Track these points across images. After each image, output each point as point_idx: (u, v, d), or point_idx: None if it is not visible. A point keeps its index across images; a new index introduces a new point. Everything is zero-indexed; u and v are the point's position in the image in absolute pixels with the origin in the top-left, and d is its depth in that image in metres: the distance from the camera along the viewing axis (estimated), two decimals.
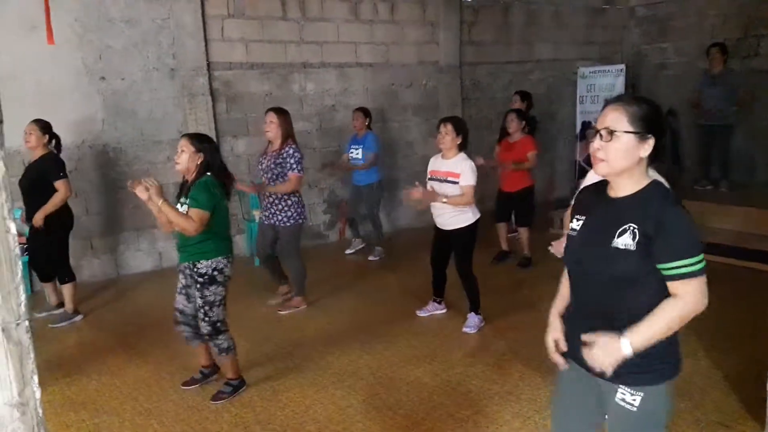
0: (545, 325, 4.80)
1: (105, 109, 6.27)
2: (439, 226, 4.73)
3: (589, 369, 1.97)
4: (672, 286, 1.83)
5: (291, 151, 4.92)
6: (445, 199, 4.47)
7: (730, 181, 7.55)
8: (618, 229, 1.86)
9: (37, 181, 4.85)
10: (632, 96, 1.97)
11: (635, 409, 1.92)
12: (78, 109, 6.12)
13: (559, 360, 2.13)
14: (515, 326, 4.79)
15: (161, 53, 6.47)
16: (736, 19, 8.42)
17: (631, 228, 1.84)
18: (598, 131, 1.87)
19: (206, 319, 3.60)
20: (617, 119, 1.85)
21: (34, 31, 5.57)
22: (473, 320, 4.75)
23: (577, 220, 2.03)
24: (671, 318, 1.82)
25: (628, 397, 1.93)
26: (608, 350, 1.83)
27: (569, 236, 2.06)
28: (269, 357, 4.41)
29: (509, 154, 6.22)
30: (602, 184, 2.02)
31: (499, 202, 6.53)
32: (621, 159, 1.85)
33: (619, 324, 1.87)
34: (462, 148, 4.63)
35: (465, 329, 4.70)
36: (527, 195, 6.36)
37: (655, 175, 1.95)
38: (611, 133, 1.84)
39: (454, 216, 4.59)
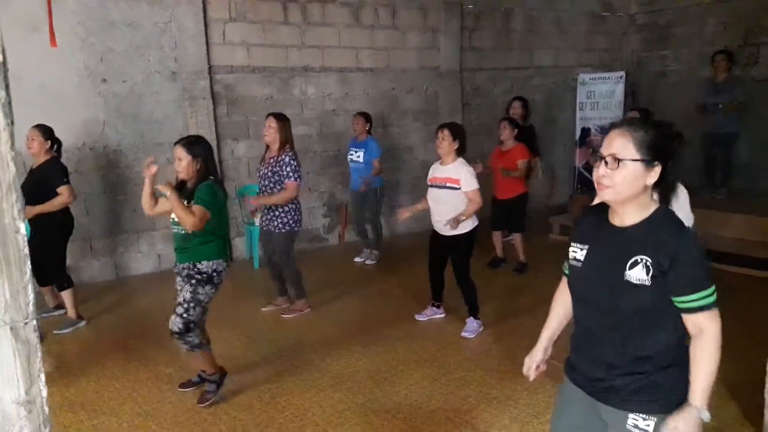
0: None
1: (106, 111, 6.29)
2: (438, 231, 4.74)
3: (598, 398, 1.95)
4: (693, 318, 1.81)
5: (287, 159, 4.91)
6: (463, 218, 4.48)
7: (729, 188, 7.53)
8: (628, 261, 1.80)
9: (40, 185, 4.82)
10: (640, 119, 1.92)
11: None
12: (79, 111, 6.14)
13: (531, 376, 2.23)
14: (514, 331, 4.80)
15: (163, 56, 6.49)
16: (736, 28, 8.46)
17: (644, 261, 1.77)
18: (603, 158, 1.80)
19: (183, 315, 3.56)
20: (624, 146, 1.78)
21: (36, 33, 5.58)
22: (472, 325, 4.76)
23: (580, 249, 1.96)
24: (712, 356, 1.83)
25: (641, 423, 1.86)
26: (691, 428, 1.81)
27: (573, 266, 1.99)
28: (268, 360, 4.41)
29: (500, 161, 6.25)
30: (601, 209, 1.95)
31: (494, 210, 6.53)
32: (627, 187, 1.78)
33: (629, 358, 1.86)
34: (460, 153, 4.65)
35: (464, 334, 4.71)
36: (521, 201, 6.37)
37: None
38: (617, 160, 1.77)
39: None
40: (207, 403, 3.71)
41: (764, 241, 6.18)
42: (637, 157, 1.77)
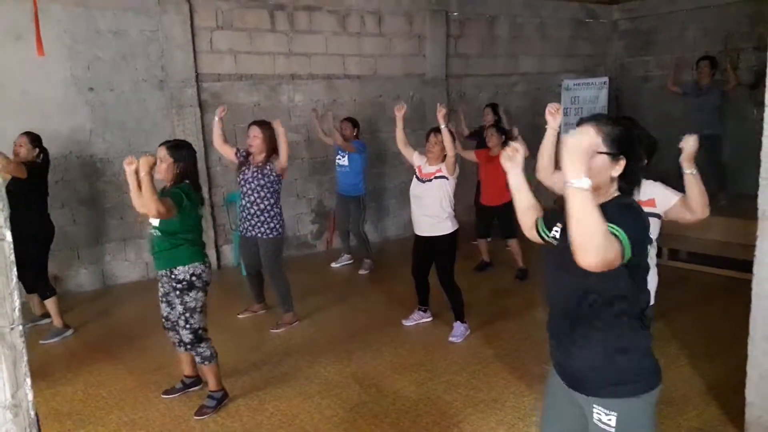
0: (529, 334, 4.87)
1: (93, 120, 6.28)
2: (418, 233, 4.78)
3: (568, 383, 2.02)
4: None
5: (272, 166, 4.93)
6: (443, 126, 4.56)
7: (728, 193, 7.41)
8: None
9: (24, 193, 4.78)
10: (608, 116, 1.98)
11: (612, 429, 1.92)
12: (66, 119, 6.13)
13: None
14: (500, 335, 4.84)
15: (150, 64, 6.50)
16: (716, 34, 8.59)
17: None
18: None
19: (187, 326, 3.61)
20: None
21: (20, 41, 5.58)
22: (459, 329, 4.79)
23: (560, 228, 2.00)
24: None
25: (603, 417, 1.93)
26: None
27: (551, 243, 2.07)
28: (256, 366, 4.42)
29: (492, 167, 6.25)
30: None
31: (480, 217, 6.54)
32: (594, 177, 1.79)
33: (588, 337, 1.92)
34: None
35: (451, 338, 4.74)
36: (508, 207, 6.32)
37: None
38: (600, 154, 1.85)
39: (434, 223, 4.65)
40: (204, 417, 3.70)
41: (745, 243, 6.25)
42: (604, 149, 1.85)
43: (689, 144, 2.91)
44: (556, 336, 2.06)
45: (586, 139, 1.69)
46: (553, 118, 2.82)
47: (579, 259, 1.63)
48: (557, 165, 1.99)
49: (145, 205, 3.38)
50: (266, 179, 4.91)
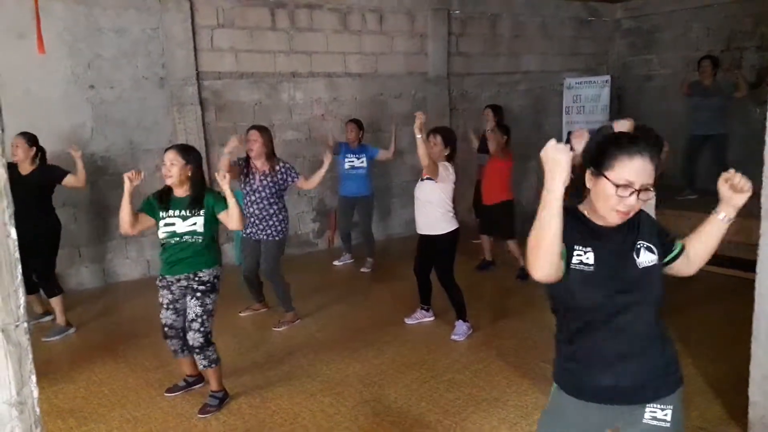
0: (531, 333, 4.86)
1: (94, 117, 6.28)
2: (418, 230, 4.79)
3: (624, 402, 1.92)
4: (681, 256, 1.98)
5: (288, 166, 5.04)
6: (419, 136, 4.37)
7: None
8: (632, 252, 1.87)
9: (37, 189, 4.89)
10: (652, 141, 1.79)
11: (668, 425, 1.90)
12: (67, 117, 6.12)
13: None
14: (502, 333, 4.84)
15: (151, 62, 6.49)
16: (719, 32, 8.58)
17: (643, 245, 1.88)
18: (637, 190, 1.75)
19: (201, 329, 3.59)
20: (650, 175, 1.76)
21: (22, 39, 5.57)
22: (461, 328, 4.79)
23: (584, 251, 1.84)
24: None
25: (659, 413, 1.90)
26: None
27: (582, 272, 1.83)
28: (258, 364, 4.41)
29: (491, 166, 6.25)
30: (576, 211, 1.91)
31: (481, 215, 6.56)
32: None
33: (652, 341, 1.92)
34: (449, 159, 4.68)
35: (453, 337, 4.74)
36: (505, 208, 6.24)
37: None
38: (648, 190, 1.76)
39: (431, 222, 4.65)
40: (207, 415, 3.70)
41: (747, 243, 6.25)
42: (652, 183, 1.79)
43: (624, 126, 2.77)
44: (624, 357, 1.89)
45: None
46: (578, 142, 2.81)
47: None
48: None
49: (237, 220, 3.54)
50: (277, 186, 4.96)
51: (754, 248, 3.16)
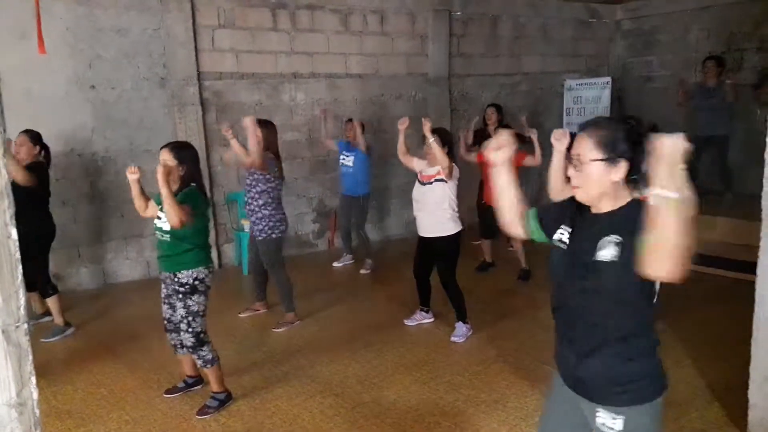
0: (532, 334, 4.86)
1: (95, 117, 6.28)
2: (421, 233, 4.77)
3: (574, 389, 1.99)
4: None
5: (270, 157, 4.91)
6: (432, 139, 4.52)
7: (734, 193, 7.32)
8: (598, 242, 1.83)
9: (26, 192, 4.74)
10: (606, 118, 1.95)
11: None
12: (68, 117, 6.12)
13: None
14: (502, 334, 4.83)
15: (152, 63, 6.50)
16: (719, 34, 8.58)
17: (614, 239, 1.80)
18: (571, 158, 1.89)
19: (189, 330, 3.60)
20: (586, 146, 1.84)
21: (24, 39, 5.57)
22: (461, 329, 4.78)
23: (567, 231, 1.97)
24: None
25: (608, 421, 1.89)
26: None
27: (558, 248, 1.99)
28: (258, 365, 4.41)
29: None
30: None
31: (483, 217, 6.47)
32: (594, 185, 1.85)
33: (598, 344, 1.88)
34: (449, 158, 4.67)
35: (453, 338, 4.73)
36: None
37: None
38: (581, 162, 1.85)
39: (436, 225, 4.65)
40: (206, 416, 3.69)
41: (749, 245, 6.24)
42: (599, 156, 1.82)
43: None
44: (568, 340, 2.00)
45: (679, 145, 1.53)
46: (559, 142, 2.81)
47: (652, 270, 1.61)
48: (567, 181, 1.98)
49: (169, 217, 3.40)
50: (263, 181, 4.89)
51: (754, 250, 3.16)
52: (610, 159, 1.81)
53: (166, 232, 3.55)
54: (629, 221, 1.77)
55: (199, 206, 3.58)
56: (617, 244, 1.80)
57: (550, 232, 2.04)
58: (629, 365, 1.87)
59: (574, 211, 1.99)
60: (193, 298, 3.59)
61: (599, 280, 1.83)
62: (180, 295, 3.59)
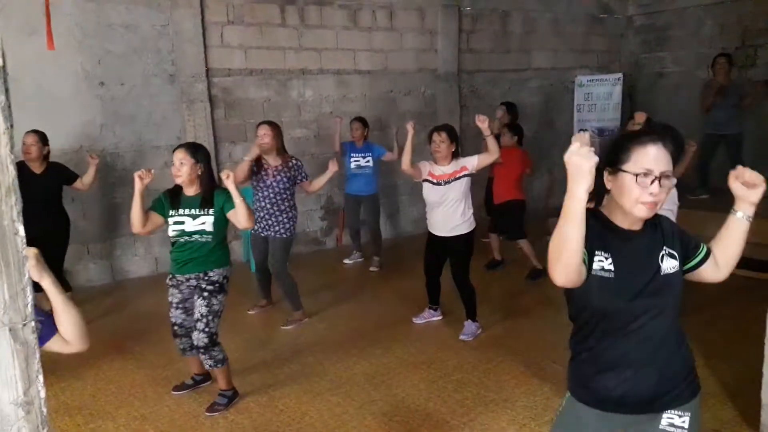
0: (541, 333, 4.82)
1: (104, 114, 6.29)
2: (436, 233, 4.71)
3: (639, 411, 1.91)
4: (705, 262, 1.92)
5: (299, 164, 5.06)
6: (488, 134, 4.52)
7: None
8: (657, 257, 1.83)
9: (56, 186, 5.06)
10: (670, 127, 1.92)
11: (686, 430, 1.87)
12: (77, 113, 6.14)
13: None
14: (511, 333, 4.80)
15: (161, 59, 6.50)
16: (733, 29, 8.49)
17: (666, 251, 1.85)
18: (657, 177, 1.72)
19: (206, 330, 3.58)
20: (667, 161, 1.75)
21: (34, 35, 5.58)
22: (470, 328, 4.75)
23: (604, 257, 1.80)
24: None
25: (677, 420, 1.87)
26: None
27: (602, 278, 1.79)
28: (266, 363, 4.40)
29: (503, 165, 6.16)
30: (592, 215, 1.84)
31: (492, 214, 6.54)
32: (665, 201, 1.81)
33: (670, 349, 1.88)
34: (455, 156, 4.64)
35: (462, 337, 4.71)
36: (514, 208, 6.15)
37: None
38: (669, 177, 1.74)
39: (457, 225, 4.59)
40: (214, 413, 3.69)
41: (761, 243, 6.18)
42: (671, 171, 1.77)
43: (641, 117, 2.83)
44: (623, 364, 1.86)
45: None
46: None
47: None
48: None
49: (243, 220, 3.49)
50: (291, 182, 4.97)
51: (766, 249, 3.11)
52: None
53: (208, 233, 3.56)
54: (669, 232, 1.88)
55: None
56: (671, 255, 1.85)
57: (589, 263, 1.80)
58: (688, 356, 1.95)
59: (600, 234, 1.83)
60: (218, 297, 3.61)
61: (671, 293, 1.84)
62: (206, 293, 3.57)
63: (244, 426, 3.55)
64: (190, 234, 3.57)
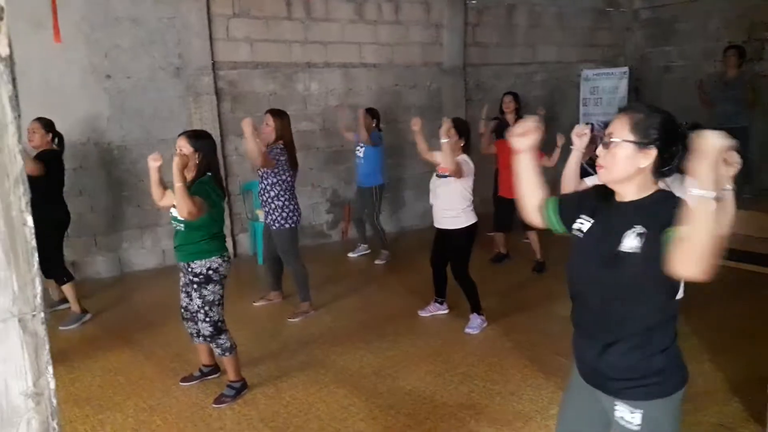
0: (547, 326, 4.82)
1: (111, 107, 6.30)
2: (436, 224, 4.76)
3: (592, 383, 1.96)
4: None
5: (275, 151, 4.84)
6: (445, 140, 4.37)
7: (753, 186, 7.25)
8: (623, 233, 1.79)
9: (40, 180, 4.71)
10: (646, 104, 1.91)
11: (636, 428, 1.85)
12: (84, 107, 6.15)
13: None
14: (517, 327, 4.80)
15: (167, 52, 6.50)
16: (740, 23, 8.42)
17: (637, 229, 1.76)
18: (603, 138, 1.86)
19: (207, 319, 3.61)
20: (620, 127, 1.81)
21: (40, 28, 5.59)
22: (476, 321, 4.76)
23: (586, 221, 1.94)
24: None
25: (627, 415, 1.86)
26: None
27: (575, 237, 1.96)
28: (273, 355, 4.42)
29: (511, 158, 6.12)
30: (603, 188, 1.95)
31: (499, 209, 6.39)
32: (619, 167, 1.80)
33: (617, 337, 1.85)
34: (465, 150, 4.63)
35: (467, 330, 4.72)
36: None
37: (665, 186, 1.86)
38: (611, 139, 1.82)
39: (449, 217, 4.63)
40: (222, 405, 3.71)
41: (765, 237, 6.16)
42: (630, 138, 1.78)
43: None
44: (586, 333, 1.97)
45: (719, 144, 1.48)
46: (580, 139, 2.77)
47: (681, 270, 1.57)
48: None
49: (179, 209, 3.38)
50: (275, 173, 4.86)
51: None
52: (641, 144, 1.77)
53: (180, 222, 3.56)
54: (654, 212, 1.76)
55: (212, 197, 3.55)
56: (640, 234, 1.76)
57: (569, 222, 2.01)
58: (648, 359, 1.82)
59: (595, 201, 1.96)
60: (208, 288, 3.60)
61: (620, 271, 1.79)
62: (195, 285, 3.59)
63: (251, 417, 3.57)
64: (174, 221, 3.62)
